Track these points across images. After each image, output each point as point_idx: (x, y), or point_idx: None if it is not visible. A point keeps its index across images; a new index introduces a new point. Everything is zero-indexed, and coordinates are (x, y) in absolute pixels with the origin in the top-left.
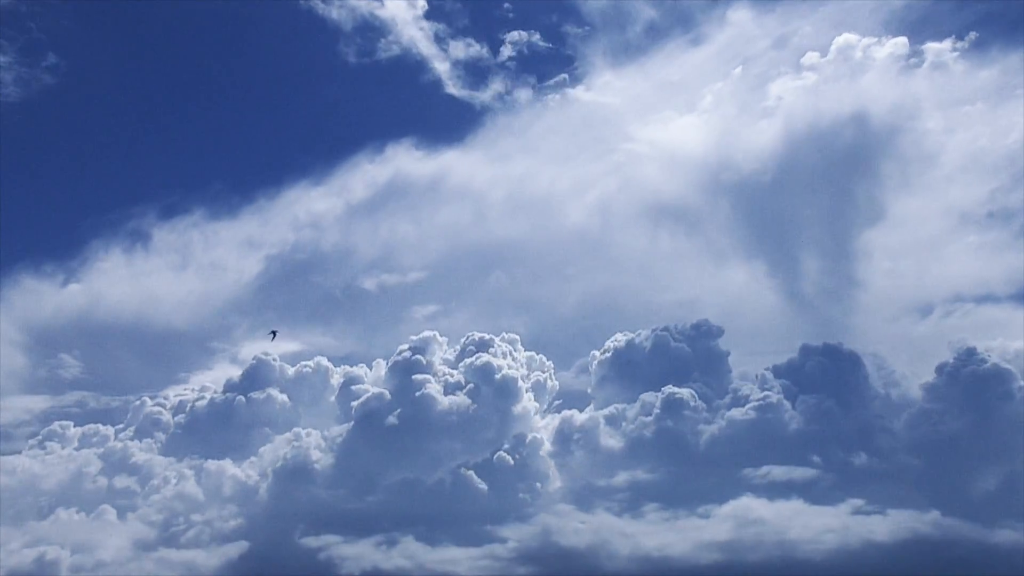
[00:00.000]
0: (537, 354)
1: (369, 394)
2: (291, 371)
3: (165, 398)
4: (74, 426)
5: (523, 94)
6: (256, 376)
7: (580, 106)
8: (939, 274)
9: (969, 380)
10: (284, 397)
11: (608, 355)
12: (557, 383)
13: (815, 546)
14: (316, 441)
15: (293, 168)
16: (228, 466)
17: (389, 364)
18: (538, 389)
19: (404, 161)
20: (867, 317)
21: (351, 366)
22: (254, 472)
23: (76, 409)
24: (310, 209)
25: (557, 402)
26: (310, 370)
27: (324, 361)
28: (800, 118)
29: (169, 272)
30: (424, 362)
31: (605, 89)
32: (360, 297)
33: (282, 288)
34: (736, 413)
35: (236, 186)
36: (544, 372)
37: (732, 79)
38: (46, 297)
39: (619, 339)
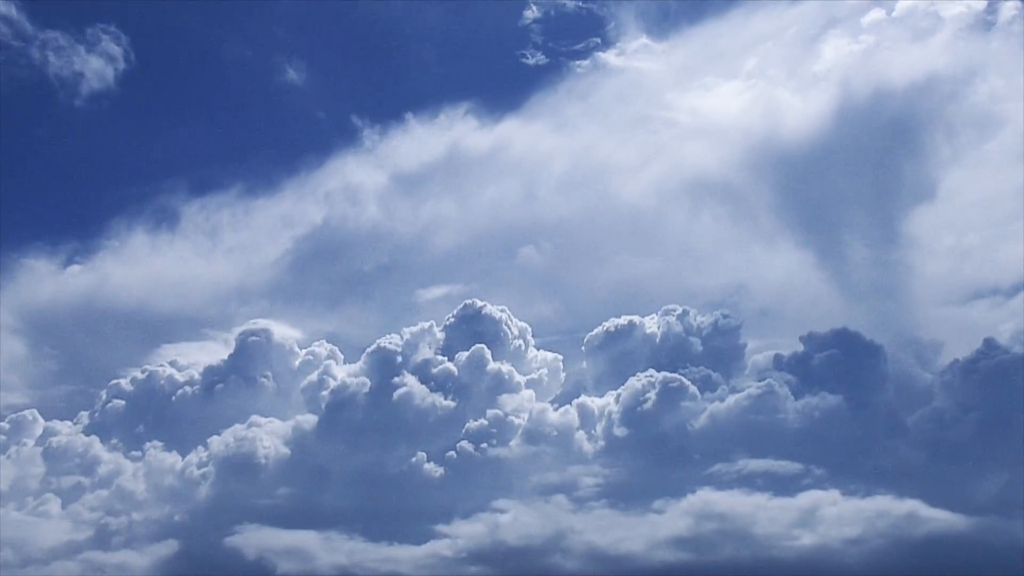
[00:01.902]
0: (539, 350)
1: (338, 384)
2: (284, 358)
3: (133, 383)
4: (45, 420)
5: (550, 60)
6: (243, 364)
7: (612, 72)
8: (1008, 256)
9: (985, 375)
10: (273, 385)
11: (597, 342)
12: (564, 376)
13: (790, 542)
14: (271, 432)
15: (341, 136)
16: (171, 458)
17: (368, 353)
18: (539, 383)
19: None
20: (924, 303)
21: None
22: (198, 464)
23: (63, 404)
24: (349, 183)
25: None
26: (311, 358)
27: (323, 349)
28: (853, 85)
29: (192, 255)
30: (412, 354)
31: (640, 53)
32: (379, 280)
33: (302, 271)
34: (719, 407)
35: (279, 156)
36: (543, 368)
37: (781, 41)
38: (50, 281)
39: (619, 322)
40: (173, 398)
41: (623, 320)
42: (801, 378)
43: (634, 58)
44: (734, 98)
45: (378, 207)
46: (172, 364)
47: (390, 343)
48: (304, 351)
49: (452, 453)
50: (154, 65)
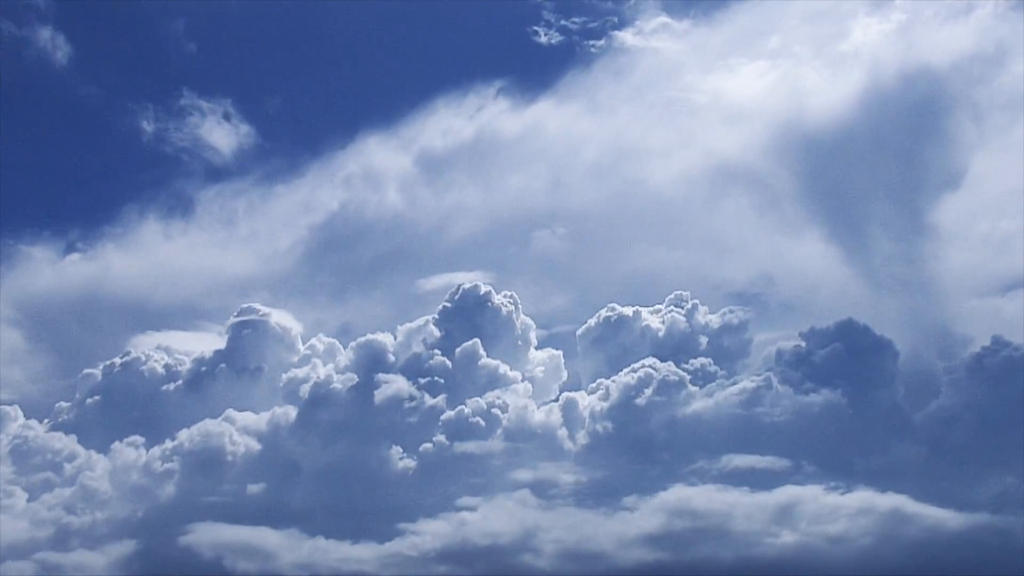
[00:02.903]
0: (540, 350)
1: (320, 379)
2: (281, 351)
3: (108, 374)
4: (26, 417)
5: (564, 39)
6: (236, 357)
7: (630, 53)
8: None
9: (991, 372)
10: (267, 379)
11: (594, 334)
12: (565, 373)
13: (771, 540)
14: (244, 427)
15: (366, 116)
16: (137, 453)
17: (354, 347)
18: (537, 379)
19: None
20: (952, 295)
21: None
22: (162, 459)
23: (52, 398)
24: (370, 167)
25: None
26: (309, 352)
27: (321, 343)
28: (883, 65)
29: (204, 244)
30: (405, 348)
31: (660, 32)
32: (391, 270)
33: (313, 261)
34: (708, 402)
35: (305, 139)
36: (542, 365)
37: (808, 18)
38: (48, 270)
39: (621, 311)
40: (159, 391)
41: (627, 310)
42: (802, 373)
43: (653, 38)
44: (758, 79)
45: (399, 193)
46: (166, 351)
47: (380, 336)
48: (304, 345)
49: (428, 445)
50: None
